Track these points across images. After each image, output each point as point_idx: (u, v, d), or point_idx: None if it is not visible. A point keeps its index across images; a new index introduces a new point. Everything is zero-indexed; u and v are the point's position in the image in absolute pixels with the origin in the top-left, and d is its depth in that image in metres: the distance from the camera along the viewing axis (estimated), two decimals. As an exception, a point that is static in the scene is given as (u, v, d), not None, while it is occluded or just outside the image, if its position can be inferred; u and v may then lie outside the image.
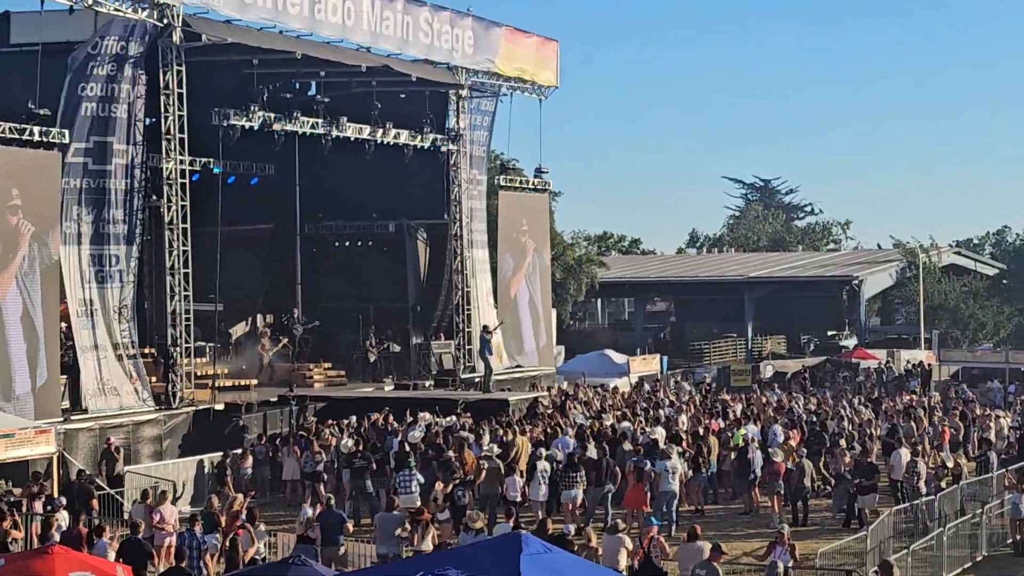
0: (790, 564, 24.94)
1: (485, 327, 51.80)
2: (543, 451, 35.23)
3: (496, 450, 35.93)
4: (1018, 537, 31.95)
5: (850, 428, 41.52)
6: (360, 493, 35.35)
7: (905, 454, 36.36)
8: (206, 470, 37.44)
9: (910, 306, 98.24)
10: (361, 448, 36.51)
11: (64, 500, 30.54)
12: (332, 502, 29.39)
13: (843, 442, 37.67)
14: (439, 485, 32.43)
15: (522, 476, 34.28)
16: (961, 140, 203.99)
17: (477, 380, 52.43)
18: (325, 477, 36.65)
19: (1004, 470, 35.93)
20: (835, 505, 35.74)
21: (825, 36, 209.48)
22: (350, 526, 28.69)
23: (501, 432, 38.34)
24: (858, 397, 53.35)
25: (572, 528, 27.34)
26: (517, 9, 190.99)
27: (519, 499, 33.32)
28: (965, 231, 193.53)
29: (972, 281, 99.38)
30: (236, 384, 47.25)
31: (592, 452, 35.47)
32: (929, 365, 71.48)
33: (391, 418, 41.00)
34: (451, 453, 35.55)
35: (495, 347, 55.74)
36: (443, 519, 30.01)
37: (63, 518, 29.01)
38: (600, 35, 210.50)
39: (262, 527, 28.02)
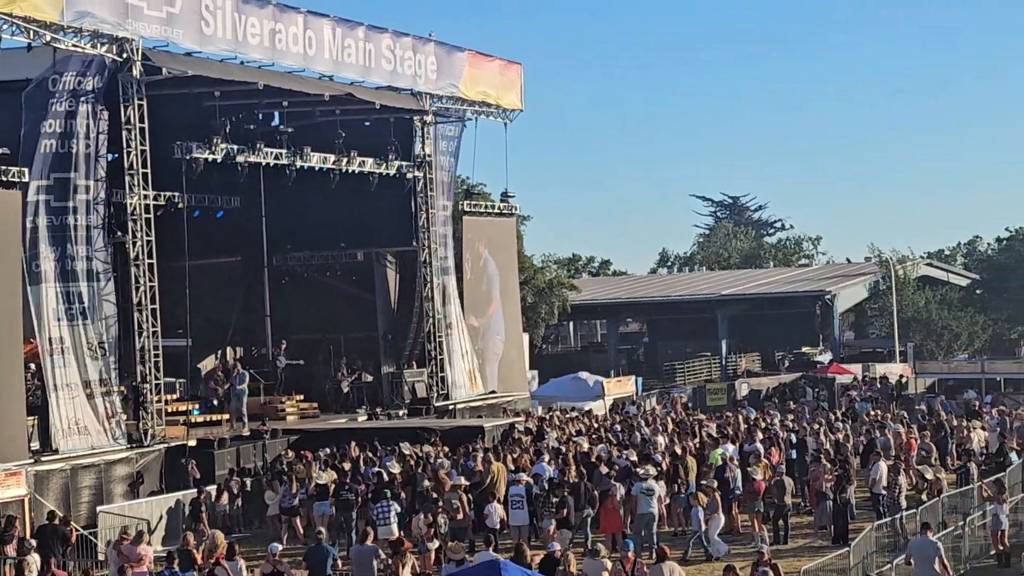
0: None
1: (215, 369, 50.69)
2: (524, 476, 34.93)
3: (463, 481, 35.63)
4: (1000, 548, 31.73)
5: (827, 444, 41.23)
6: (346, 525, 34.96)
7: (884, 467, 36.15)
8: (180, 507, 36.99)
9: (884, 319, 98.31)
10: (347, 480, 36.10)
11: (35, 543, 30.09)
12: (324, 537, 28.98)
13: (823, 458, 37.37)
14: (422, 515, 32.07)
15: (501, 503, 33.97)
16: (929, 151, 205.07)
17: (450, 407, 52.30)
18: (302, 512, 36.24)
19: (982, 482, 35.71)
20: (817, 522, 35.53)
21: (787, 52, 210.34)
22: (339, 562, 28.26)
23: (479, 459, 37.90)
24: (834, 412, 53.08)
25: (557, 545, 27.05)
26: (479, 34, 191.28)
27: (498, 526, 32.97)
28: (936, 243, 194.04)
29: (946, 292, 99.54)
30: (208, 420, 46.79)
31: (569, 477, 35.17)
32: (905, 378, 71.42)
33: (367, 449, 40.65)
34: (427, 483, 35.24)
35: (467, 373, 55.52)
36: (433, 548, 29.66)
37: (35, 561, 28.61)
38: (563, 58, 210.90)
39: (241, 563, 27.65)
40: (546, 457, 38.32)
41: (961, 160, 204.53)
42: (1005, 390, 66.88)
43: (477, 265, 58.20)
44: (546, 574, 24.42)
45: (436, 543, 30.04)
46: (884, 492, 35.55)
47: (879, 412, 51.61)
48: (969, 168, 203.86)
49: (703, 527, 33.06)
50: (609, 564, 25.93)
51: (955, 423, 47.04)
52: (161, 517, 36.64)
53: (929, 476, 36.68)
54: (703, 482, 35.00)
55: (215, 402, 48.63)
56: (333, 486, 36.00)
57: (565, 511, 33.20)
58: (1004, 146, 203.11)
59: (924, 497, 34.73)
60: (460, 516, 33.20)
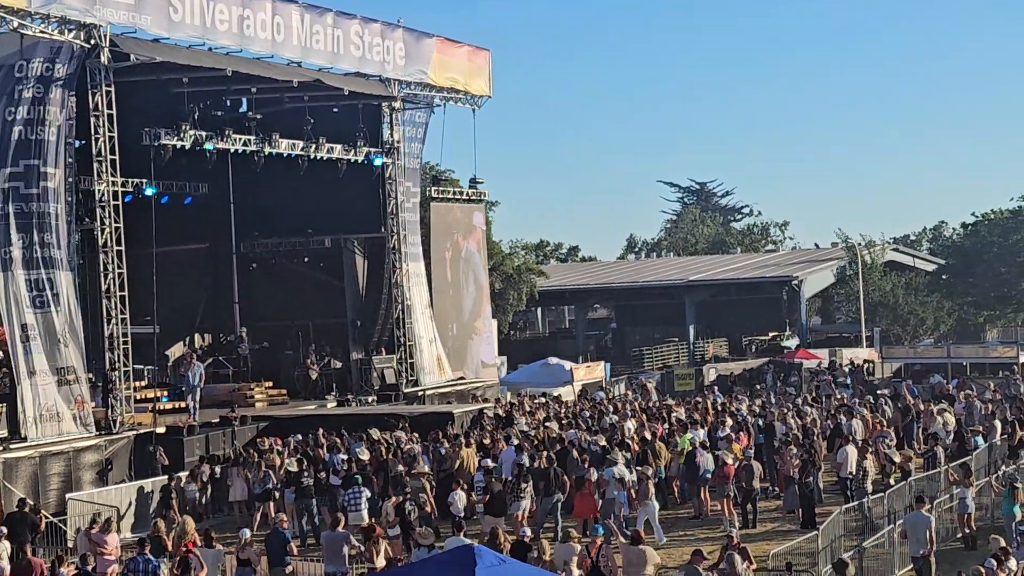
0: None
1: (184, 356, 50.12)
2: (489, 463, 35.01)
3: (426, 468, 35.67)
4: (967, 531, 31.97)
5: (796, 429, 41.40)
6: (306, 512, 34.97)
7: (852, 451, 36.34)
8: (149, 495, 36.98)
9: (851, 304, 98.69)
10: (306, 467, 36.14)
11: (4, 530, 30.04)
12: (284, 523, 29.04)
13: (792, 443, 37.56)
14: (393, 499, 32.11)
15: (466, 490, 34.02)
16: (895, 136, 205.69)
17: (419, 393, 52.40)
18: (277, 496, 36.25)
19: (948, 466, 35.93)
20: (786, 506, 35.74)
21: (753, 36, 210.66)
22: (294, 546, 28.37)
23: (447, 447, 37.96)
24: (802, 397, 53.35)
25: (528, 531, 27.14)
26: (447, 20, 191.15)
27: (462, 513, 32.99)
28: (901, 228, 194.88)
29: (913, 277, 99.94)
30: (176, 407, 46.71)
31: (540, 462, 35.27)
32: (871, 363, 71.75)
33: (335, 435, 40.65)
34: (401, 468, 35.28)
35: (436, 359, 55.57)
36: (393, 535, 29.71)
37: (5, 548, 28.62)
38: (531, 44, 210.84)
39: (220, 548, 27.71)
40: (514, 442, 38.39)
41: (927, 145, 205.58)
42: (971, 375, 67.24)
43: (444, 250, 58.36)
44: (518, 559, 24.49)
45: (397, 529, 30.11)
46: (851, 476, 35.77)
47: (846, 396, 51.90)
48: (935, 154, 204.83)
49: (629, 511, 33.06)
50: (579, 548, 26.07)
51: (922, 407, 47.26)
52: (130, 504, 36.62)
53: (897, 460, 36.91)
54: (638, 467, 34.99)
55: (183, 389, 48.51)
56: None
57: (488, 497, 33.33)
58: (970, 131, 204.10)
59: (892, 481, 34.93)
60: (428, 508, 33.19)
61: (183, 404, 46.65)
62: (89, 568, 25.81)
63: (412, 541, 29.21)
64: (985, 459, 38.49)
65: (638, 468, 34.95)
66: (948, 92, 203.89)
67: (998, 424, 42.54)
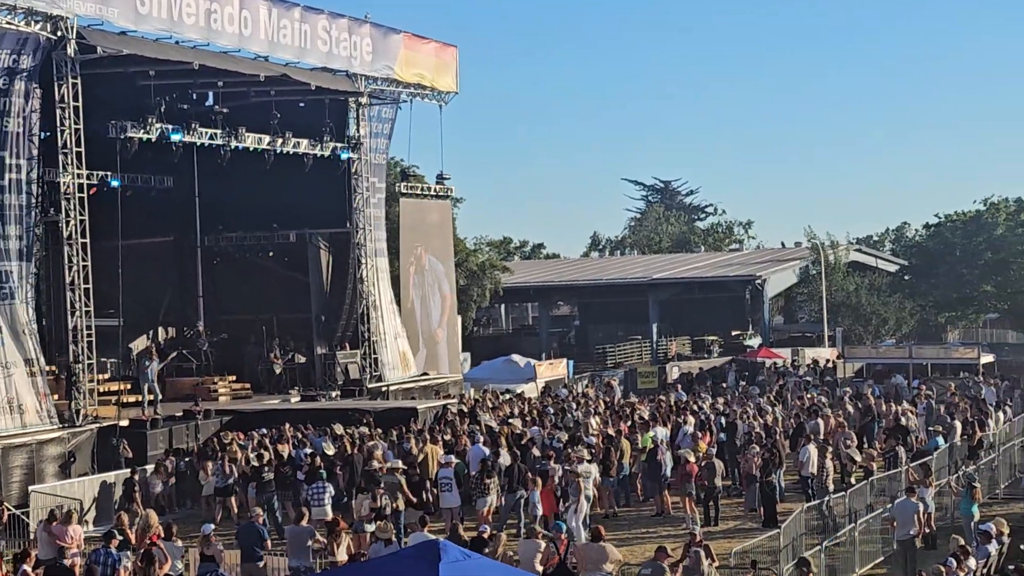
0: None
1: (145, 350, 49.50)
2: (453, 459, 35.05)
3: (400, 464, 35.73)
4: (927, 531, 32.14)
5: (758, 428, 41.57)
6: (267, 506, 34.93)
7: (813, 451, 36.52)
8: (112, 487, 36.91)
9: (813, 304, 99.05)
10: (268, 461, 36.14)
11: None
12: (260, 518, 28.99)
13: (754, 441, 37.71)
14: (370, 495, 32.10)
15: (430, 485, 34.04)
16: (858, 138, 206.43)
17: (383, 389, 52.44)
18: (237, 491, 36.23)
19: (907, 467, 36.14)
20: (748, 504, 35.90)
21: (717, 34, 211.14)
22: (269, 543, 28.32)
23: (412, 443, 38.00)
24: (766, 396, 53.52)
25: (488, 528, 27.20)
26: (415, 16, 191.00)
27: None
28: (864, 229, 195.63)
29: (875, 278, 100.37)
30: (139, 400, 46.61)
31: (504, 458, 35.35)
32: (833, 362, 72.03)
33: (298, 430, 40.63)
34: (376, 464, 35.33)
35: (400, 355, 55.62)
36: (371, 530, 29.71)
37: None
38: (498, 40, 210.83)
39: (179, 543, 27.66)
40: (480, 439, 38.48)
41: (891, 147, 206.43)
42: (932, 375, 67.60)
43: (411, 245, 58.42)
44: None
45: (373, 525, 30.14)
46: (813, 475, 35.95)
47: (813, 396, 52.16)
48: (898, 155, 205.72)
49: (539, 511, 32.98)
50: (543, 545, 26.16)
51: (883, 408, 47.48)
52: (94, 497, 36.56)
53: (858, 459, 37.11)
54: (566, 467, 34.79)
55: (141, 382, 48.38)
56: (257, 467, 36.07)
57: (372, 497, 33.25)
58: (934, 133, 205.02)
59: (853, 480, 35.13)
60: (401, 505, 33.15)
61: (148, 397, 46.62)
62: (65, 561, 25.84)
63: (371, 536, 29.25)
64: (945, 459, 38.73)
65: (566, 467, 34.70)
66: (914, 94, 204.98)
67: (958, 425, 42.80)
